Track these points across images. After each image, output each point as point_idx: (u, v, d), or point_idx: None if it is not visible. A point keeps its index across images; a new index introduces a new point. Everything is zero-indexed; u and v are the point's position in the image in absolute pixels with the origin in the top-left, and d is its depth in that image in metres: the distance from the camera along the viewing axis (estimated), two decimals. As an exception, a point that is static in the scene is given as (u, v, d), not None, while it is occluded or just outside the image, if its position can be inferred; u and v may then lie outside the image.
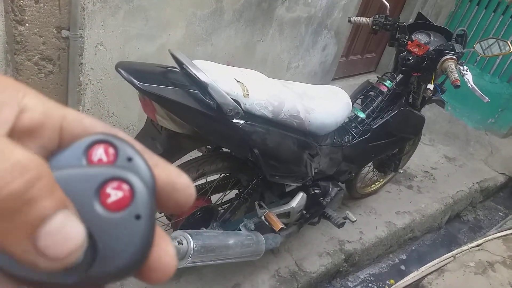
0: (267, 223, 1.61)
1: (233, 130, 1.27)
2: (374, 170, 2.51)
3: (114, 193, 0.19)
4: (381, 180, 2.65)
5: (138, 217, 0.19)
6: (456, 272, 1.97)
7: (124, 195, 0.20)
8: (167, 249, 0.21)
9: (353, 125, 1.89)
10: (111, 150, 0.21)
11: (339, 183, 1.94)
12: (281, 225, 1.60)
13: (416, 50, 1.87)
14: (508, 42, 1.89)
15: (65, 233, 0.17)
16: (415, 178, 3.03)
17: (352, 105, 1.84)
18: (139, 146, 0.22)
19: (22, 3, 1.53)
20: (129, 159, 0.21)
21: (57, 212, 0.17)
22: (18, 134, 0.19)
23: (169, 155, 1.34)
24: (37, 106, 0.20)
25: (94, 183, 0.19)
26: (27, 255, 0.17)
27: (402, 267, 2.50)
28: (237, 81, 1.29)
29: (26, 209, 0.16)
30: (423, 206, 2.75)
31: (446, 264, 2.02)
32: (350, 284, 2.28)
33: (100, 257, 0.19)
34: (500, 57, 3.62)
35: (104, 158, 0.20)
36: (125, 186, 0.20)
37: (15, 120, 0.19)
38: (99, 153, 0.20)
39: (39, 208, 0.16)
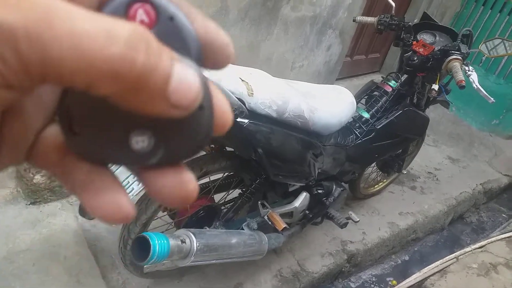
0: (270, 223, 1.61)
1: (237, 129, 1.27)
2: (378, 170, 2.51)
3: None
4: (385, 180, 2.64)
5: (201, 107, 0.20)
6: (459, 274, 1.96)
7: None
8: (225, 105, 0.22)
9: (357, 125, 1.89)
10: (150, 10, 0.20)
11: (343, 183, 1.93)
12: (284, 225, 1.60)
13: (421, 50, 1.86)
14: (514, 43, 1.88)
15: (187, 81, 0.18)
16: (419, 179, 3.02)
17: (357, 105, 1.84)
18: None
19: None
20: (171, 19, 0.20)
21: (174, 65, 0.18)
22: None
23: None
24: None
25: None
26: (163, 112, 0.18)
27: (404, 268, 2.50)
28: (242, 80, 1.28)
29: (155, 74, 0.17)
30: (426, 207, 2.74)
31: (449, 265, 2.01)
32: (352, 285, 2.27)
33: (170, 144, 0.21)
34: (506, 57, 3.60)
35: (146, 19, 0.20)
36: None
37: None
38: (139, 14, 0.20)
39: (162, 69, 0.17)
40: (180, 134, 0.20)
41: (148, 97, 0.17)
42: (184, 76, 0.18)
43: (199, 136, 0.21)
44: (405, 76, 1.97)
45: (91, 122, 0.20)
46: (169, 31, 0.20)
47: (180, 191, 0.21)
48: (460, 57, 1.73)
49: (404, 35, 1.92)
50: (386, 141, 1.96)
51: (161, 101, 0.18)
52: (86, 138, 0.20)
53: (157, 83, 0.17)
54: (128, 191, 1.09)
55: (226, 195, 1.75)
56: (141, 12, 0.20)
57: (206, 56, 0.22)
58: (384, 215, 2.55)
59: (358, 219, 2.00)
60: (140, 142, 0.20)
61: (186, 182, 0.22)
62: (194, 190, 0.22)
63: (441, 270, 1.99)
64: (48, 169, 0.22)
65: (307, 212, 1.80)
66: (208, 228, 1.55)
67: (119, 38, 0.16)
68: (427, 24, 2.00)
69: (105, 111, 0.19)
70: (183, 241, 1.28)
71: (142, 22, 0.20)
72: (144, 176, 0.21)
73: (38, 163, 0.22)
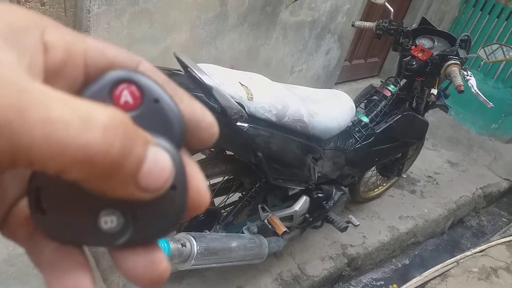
0: (270, 227, 1.61)
1: (237, 133, 1.27)
2: (377, 174, 2.51)
3: None
4: (384, 184, 2.64)
5: (173, 187, 0.20)
6: (459, 278, 1.96)
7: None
8: (202, 182, 0.22)
9: (357, 129, 1.89)
10: (136, 92, 0.20)
11: (342, 187, 1.94)
12: (284, 229, 1.60)
13: (419, 55, 1.87)
14: (512, 48, 1.89)
15: (159, 165, 0.18)
16: (418, 182, 3.02)
17: (356, 109, 1.85)
18: (162, 77, 0.21)
19: (28, 5, 1.54)
20: (156, 101, 0.20)
21: (147, 150, 0.18)
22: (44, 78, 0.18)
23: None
24: (59, 43, 0.19)
25: None
26: (131, 195, 0.18)
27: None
28: (241, 84, 1.29)
29: (127, 161, 0.17)
30: (426, 211, 2.74)
31: (449, 269, 2.01)
32: (352, 289, 2.27)
33: (140, 224, 0.20)
34: (504, 62, 3.62)
35: (130, 100, 0.20)
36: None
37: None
38: (124, 95, 0.20)
39: (136, 155, 0.17)
40: (150, 214, 0.20)
41: (119, 181, 0.17)
42: (155, 161, 0.18)
43: (170, 215, 0.20)
44: (404, 80, 1.98)
45: (59, 201, 0.20)
46: (153, 112, 0.20)
47: (151, 272, 0.21)
48: (458, 62, 1.74)
49: (402, 40, 1.94)
50: (385, 145, 1.96)
51: (131, 185, 0.17)
52: (53, 217, 0.20)
53: (128, 169, 0.17)
54: None
55: (226, 199, 1.75)
56: (126, 93, 0.20)
57: (191, 135, 0.22)
58: (384, 219, 2.55)
59: (358, 223, 2.00)
60: (109, 222, 0.20)
61: (157, 262, 0.21)
62: (166, 271, 0.21)
63: (441, 274, 1.99)
64: (17, 243, 0.21)
65: (307, 215, 1.80)
66: (208, 232, 1.55)
67: (96, 125, 0.16)
68: (425, 29, 2.01)
69: (74, 192, 0.19)
70: (183, 245, 1.29)
71: (126, 103, 0.20)
72: (115, 254, 0.21)
73: (7, 235, 0.21)
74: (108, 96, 0.20)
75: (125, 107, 0.20)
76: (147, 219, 0.20)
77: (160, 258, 0.21)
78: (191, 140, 0.22)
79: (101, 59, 0.20)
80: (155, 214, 0.20)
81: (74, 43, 0.19)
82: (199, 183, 0.21)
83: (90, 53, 0.20)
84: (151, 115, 0.20)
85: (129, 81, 0.20)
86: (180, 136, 0.21)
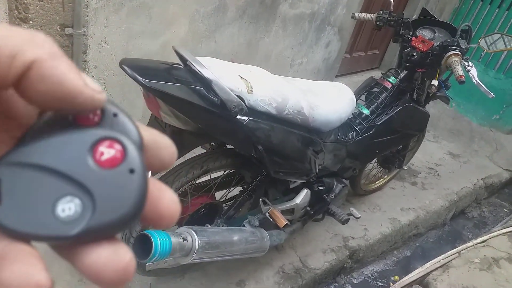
0: (271, 220, 1.61)
1: (237, 126, 1.27)
2: (378, 166, 2.51)
3: (107, 151, 0.21)
4: (386, 176, 2.64)
5: (131, 171, 0.21)
6: (461, 268, 1.97)
7: (117, 152, 0.21)
8: (172, 198, 0.23)
9: (357, 121, 1.89)
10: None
11: (343, 180, 1.94)
12: (285, 222, 1.60)
13: (420, 46, 1.86)
14: (513, 37, 1.87)
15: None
16: (420, 174, 3.02)
17: (356, 101, 1.84)
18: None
19: (26, 1, 1.53)
20: (115, 115, 0.22)
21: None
22: None
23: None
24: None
25: (87, 143, 0.21)
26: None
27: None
28: (241, 77, 1.28)
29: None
30: (428, 202, 2.74)
31: (451, 260, 2.02)
32: (354, 281, 2.28)
33: (98, 209, 0.20)
34: (505, 52, 3.60)
35: (91, 116, 0.22)
36: (117, 145, 0.21)
37: None
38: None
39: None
40: (108, 197, 0.20)
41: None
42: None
43: (129, 200, 0.20)
44: (405, 72, 1.97)
45: (18, 192, 0.20)
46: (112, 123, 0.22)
47: (115, 263, 0.20)
48: (459, 53, 1.73)
49: (403, 31, 1.92)
50: (386, 137, 1.96)
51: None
52: (10, 208, 0.20)
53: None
54: None
55: (227, 193, 1.75)
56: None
57: (153, 155, 0.23)
58: (385, 211, 2.55)
59: (359, 215, 2.00)
60: (66, 209, 0.20)
61: (121, 253, 0.20)
62: (130, 264, 0.20)
63: (443, 265, 1.99)
64: None
65: (308, 208, 1.80)
66: (209, 226, 1.55)
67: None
68: (426, 20, 2.00)
69: (33, 181, 0.20)
70: (184, 239, 1.29)
71: (87, 119, 0.22)
72: (73, 252, 0.20)
73: None
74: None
75: (88, 123, 0.22)
76: (105, 203, 0.20)
77: (124, 249, 0.20)
78: (153, 161, 0.23)
79: (50, 80, 0.19)
80: (113, 197, 0.20)
81: (20, 41, 0.19)
82: (170, 194, 0.23)
83: (38, 69, 0.19)
84: (112, 125, 0.22)
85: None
86: (139, 139, 0.22)
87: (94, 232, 0.20)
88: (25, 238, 0.20)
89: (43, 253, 0.20)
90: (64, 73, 0.19)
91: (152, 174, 0.24)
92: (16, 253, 0.19)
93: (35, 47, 0.19)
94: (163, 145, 0.24)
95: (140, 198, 0.21)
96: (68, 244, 0.20)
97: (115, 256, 0.20)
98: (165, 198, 0.23)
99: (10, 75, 0.19)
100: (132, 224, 0.23)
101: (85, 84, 0.20)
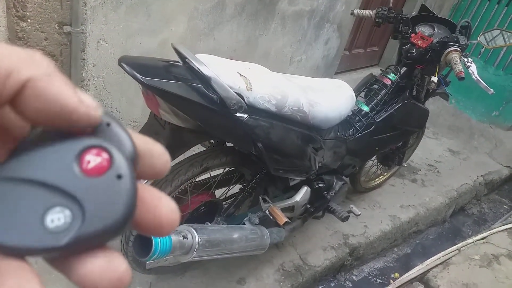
0: (271, 217, 1.61)
1: (236, 124, 1.26)
2: (378, 164, 2.50)
3: (94, 159, 0.21)
4: (385, 173, 2.64)
5: (119, 176, 0.21)
6: (461, 265, 1.97)
7: (103, 160, 0.21)
8: (170, 206, 0.23)
9: (357, 118, 1.88)
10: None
11: (343, 177, 1.93)
12: (286, 219, 1.60)
13: (419, 42, 1.86)
14: (513, 33, 1.87)
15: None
16: (419, 171, 3.02)
17: (356, 98, 1.84)
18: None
19: (24, -1, 1.53)
20: (108, 124, 0.22)
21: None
22: None
23: (173, 149, 1.33)
24: None
25: (73, 153, 0.21)
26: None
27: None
28: (240, 74, 1.28)
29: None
30: (428, 199, 2.74)
31: (451, 257, 2.02)
32: (354, 278, 2.28)
33: (88, 218, 0.20)
34: (505, 49, 3.59)
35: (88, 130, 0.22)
36: (104, 153, 0.21)
37: None
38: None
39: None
40: (97, 205, 0.20)
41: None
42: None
43: (118, 207, 0.20)
44: (404, 68, 1.96)
45: (6, 204, 0.20)
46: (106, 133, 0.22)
47: (110, 273, 0.20)
48: (459, 49, 1.73)
49: (402, 28, 1.92)
50: (386, 134, 1.95)
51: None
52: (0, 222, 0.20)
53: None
54: None
55: (227, 191, 1.75)
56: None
57: (146, 163, 0.23)
58: (385, 208, 2.55)
59: (359, 213, 2.00)
60: (55, 220, 0.20)
61: (115, 263, 0.20)
62: (126, 274, 0.20)
63: (443, 262, 1.99)
64: None
65: (308, 206, 1.80)
66: (209, 224, 1.55)
67: None
68: (425, 16, 1.99)
69: (21, 193, 0.20)
70: (185, 237, 1.29)
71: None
72: (67, 263, 0.20)
73: None
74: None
75: (81, 133, 0.22)
76: (94, 211, 0.20)
77: (119, 258, 0.20)
78: (146, 169, 0.23)
79: (46, 97, 0.20)
80: (102, 204, 0.20)
81: (17, 61, 0.19)
82: (168, 202, 0.23)
83: (33, 88, 0.20)
84: (105, 134, 0.22)
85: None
86: (132, 148, 0.22)
87: (84, 241, 0.20)
88: (15, 251, 0.20)
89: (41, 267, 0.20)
90: (59, 91, 0.20)
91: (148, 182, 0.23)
92: (10, 269, 0.19)
93: (30, 65, 0.20)
94: (156, 153, 0.24)
95: (130, 202, 0.21)
96: (59, 255, 0.20)
97: (110, 266, 0.20)
98: (163, 206, 0.22)
99: (4, 93, 0.19)
100: (125, 230, 0.22)
101: (80, 101, 0.20)
